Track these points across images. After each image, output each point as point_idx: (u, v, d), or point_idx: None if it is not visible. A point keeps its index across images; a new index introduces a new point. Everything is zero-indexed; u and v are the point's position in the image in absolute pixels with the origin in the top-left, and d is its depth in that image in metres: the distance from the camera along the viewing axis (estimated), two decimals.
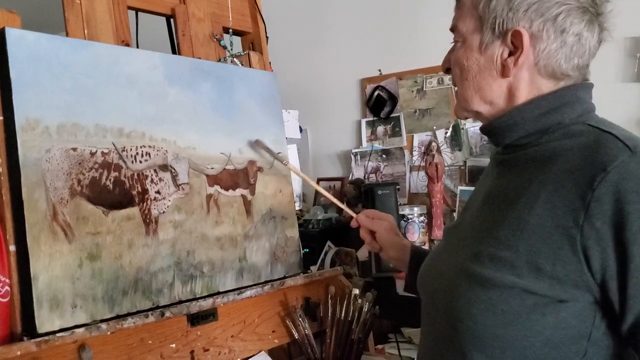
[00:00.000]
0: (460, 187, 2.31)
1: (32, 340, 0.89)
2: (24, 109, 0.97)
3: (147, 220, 1.12)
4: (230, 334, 1.20)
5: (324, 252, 2.07)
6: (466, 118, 1.14)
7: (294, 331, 1.32)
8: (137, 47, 1.33)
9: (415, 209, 2.21)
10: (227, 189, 1.28)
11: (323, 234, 2.21)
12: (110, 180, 1.07)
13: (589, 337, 0.72)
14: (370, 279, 1.88)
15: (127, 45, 1.24)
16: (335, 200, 1.33)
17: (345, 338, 1.31)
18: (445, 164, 2.29)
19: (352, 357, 1.31)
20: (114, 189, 1.08)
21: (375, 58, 2.59)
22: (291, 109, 1.78)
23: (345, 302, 1.33)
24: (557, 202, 0.71)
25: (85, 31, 1.16)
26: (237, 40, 1.53)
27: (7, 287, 0.92)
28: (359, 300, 1.34)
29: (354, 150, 2.63)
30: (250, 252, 1.30)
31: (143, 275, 1.09)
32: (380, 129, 2.59)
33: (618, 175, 0.67)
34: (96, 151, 1.06)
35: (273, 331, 1.30)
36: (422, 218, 2.21)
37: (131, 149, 1.11)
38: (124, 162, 1.10)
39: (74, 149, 1.03)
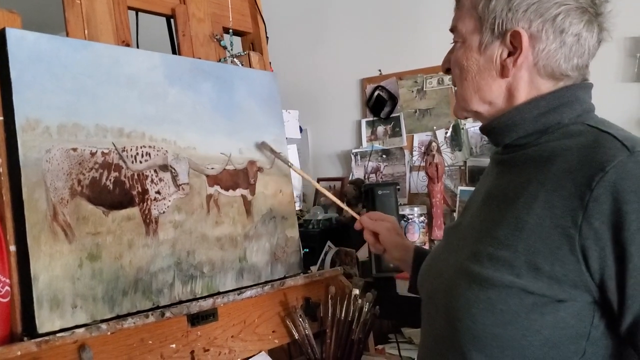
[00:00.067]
0: (460, 187, 2.31)
1: (32, 340, 0.89)
2: (25, 109, 0.97)
3: (147, 221, 1.12)
4: (231, 334, 1.20)
5: (324, 252, 2.07)
6: (465, 118, 1.15)
7: (294, 331, 1.32)
8: (137, 47, 1.33)
9: (416, 209, 2.21)
10: (227, 189, 1.28)
11: (323, 234, 2.20)
12: (110, 180, 1.07)
13: (588, 337, 0.72)
14: (371, 279, 1.88)
15: (128, 45, 1.24)
16: (338, 202, 1.34)
17: (346, 338, 1.31)
18: (446, 164, 2.29)
19: (352, 358, 1.31)
20: (114, 189, 1.08)
21: (375, 58, 2.59)
22: (291, 109, 1.78)
23: (346, 302, 1.33)
24: (556, 202, 0.71)
25: (86, 31, 1.16)
26: (237, 40, 1.54)
27: (7, 287, 0.92)
28: (359, 301, 1.34)
29: (354, 150, 2.63)
30: (251, 252, 1.30)
31: (143, 275, 1.09)
32: (380, 129, 2.59)
33: (616, 175, 0.67)
34: (96, 151, 1.06)
35: (273, 331, 1.30)
36: (422, 218, 2.21)
37: (131, 149, 1.12)
38: (124, 162, 1.10)
39: (74, 149, 1.03)
